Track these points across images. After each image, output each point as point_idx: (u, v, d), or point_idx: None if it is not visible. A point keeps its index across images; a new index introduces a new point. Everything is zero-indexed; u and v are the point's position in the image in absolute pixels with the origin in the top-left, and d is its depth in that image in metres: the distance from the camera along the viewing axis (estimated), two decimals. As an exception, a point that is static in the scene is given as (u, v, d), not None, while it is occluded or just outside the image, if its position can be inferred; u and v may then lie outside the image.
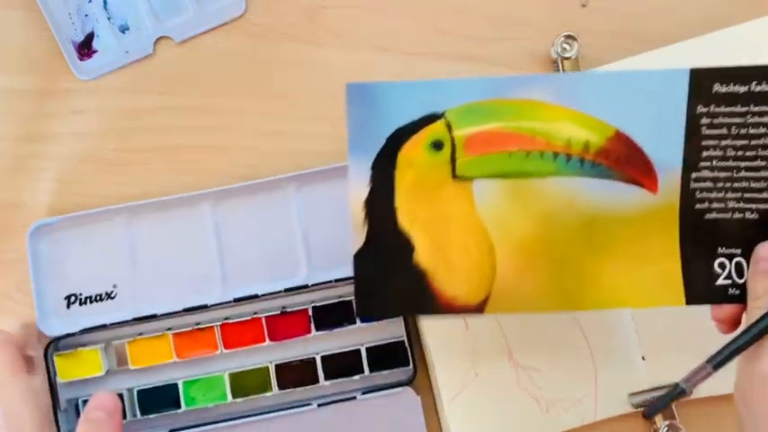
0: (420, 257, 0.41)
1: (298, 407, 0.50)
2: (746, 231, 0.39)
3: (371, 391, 0.50)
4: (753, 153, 0.39)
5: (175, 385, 0.51)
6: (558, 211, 0.40)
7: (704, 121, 0.39)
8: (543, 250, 0.40)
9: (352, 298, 0.50)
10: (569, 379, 0.50)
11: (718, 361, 0.38)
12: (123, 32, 0.54)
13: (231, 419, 0.50)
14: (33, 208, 0.53)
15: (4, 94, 0.53)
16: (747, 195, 0.39)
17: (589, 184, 0.40)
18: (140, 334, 0.51)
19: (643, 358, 0.50)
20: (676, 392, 0.45)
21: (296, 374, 0.51)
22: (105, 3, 0.53)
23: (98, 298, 0.51)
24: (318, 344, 0.51)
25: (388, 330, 0.51)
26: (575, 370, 0.50)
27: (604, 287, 0.40)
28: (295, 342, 0.51)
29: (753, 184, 0.39)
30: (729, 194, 0.39)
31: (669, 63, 0.50)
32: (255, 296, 0.51)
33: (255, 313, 0.51)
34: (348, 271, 0.42)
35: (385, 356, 0.51)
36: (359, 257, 0.41)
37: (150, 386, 0.51)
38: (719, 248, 0.40)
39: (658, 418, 0.50)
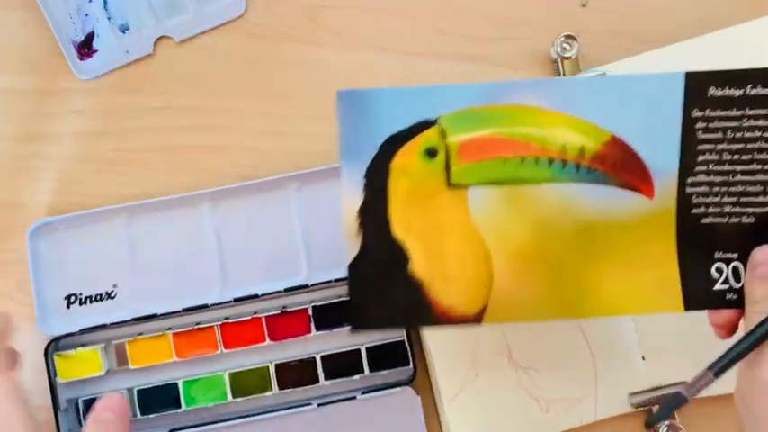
0: (415, 267, 0.40)
1: (298, 407, 0.50)
2: (743, 236, 0.39)
3: (371, 391, 0.50)
4: (748, 157, 0.39)
5: (175, 385, 0.51)
6: (555, 218, 0.40)
7: (700, 125, 0.39)
8: (540, 258, 0.40)
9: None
10: (569, 379, 0.50)
11: (720, 368, 0.38)
12: (123, 32, 0.54)
13: (231, 419, 0.50)
14: (33, 208, 0.53)
15: (4, 94, 0.54)
16: (743, 200, 0.39)
17: (585, 191, 0.39)
18: (140, 334, 0.51)
19: (643, 358, 0.50)
20: (678, 401, 0.44)
21: (296, 374, 0.51)
22: (105, 3, 0.53)
23: (98, 298, 0.51)
24: (318, 344, 0.52)
25: (389, 330, 0.51)
26: (575, 370, 0.50)
27: (603, 294, 0.40)
28: (295, 342, 0.51)
29: (749, 188, 0.39)
30: (725, 199, 0.39)
31: (669, 63, 0.51)
32: (255, 296, 0.51)
33: (255, 313, 0.51)
34: (348, 271, 0.42)
35: (385, 356, 0.51)
36: (353, 268, 0.40)
37: (150, 386, 0.51)
38: (716, 253, 0.40)
39: (658, 418, 0.50)
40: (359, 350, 0.51)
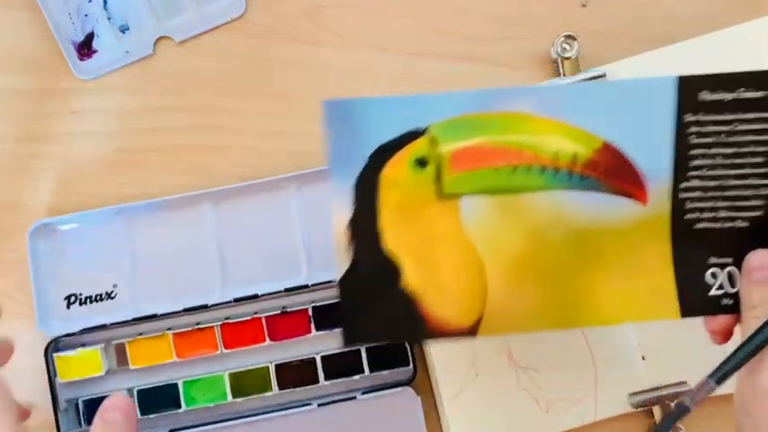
0: (408, 280, 0.39)
1: (298, 407, 0.51)
2: (737, 240, 0.39)
3: (371, 391, 0.51)
4: (741, 161, 0.39)
5: (175, 385, 0.51)
6: (548, 227, 0.39)
7: (692, 129, 0.38)
8: (535, 267, 0.39)
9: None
10: (569, 379, 0.50)
11: (721, 375, 0.37)
12: (123, 32, 0.54)
13: (231, 419, 0.50)
14: (33, 208, 0.53)
15: (4, 94, 0.54)
16: (737, 204, 0.39)
17: (578, 198, 0.39)
18: (140, 334, 0.51)
19: (643, 358, 0.50)
20: (681, 411, 0.44)
21: (296, 374, 0.51)
22: (105, 3, 0.53)
23: (98, 298, 0.51)
24: (318, 344, 0.52)
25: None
26: (575, 370, 0.50)
27: (598, 303, 0.39)
28: (295, 342, 0.51)
29: (742, 192, 0.39)
30: (719, 203, 0.39)
31: (669, 63, 0.51)
32: (255, 296, 0.51)
33: (255, 313, 0.51)
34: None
35: (385, 356, 0.51)
36: (344, 283, 0.39)
37: (150, 386, 0.51)
38: (711, 258, 0.39)
39: (658, 418, 0.50)
40: (359, 350, 0.51)
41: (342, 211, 0.39)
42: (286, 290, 0.51)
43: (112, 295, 0.51)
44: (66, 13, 0.53)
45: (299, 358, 0.51)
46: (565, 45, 0.52)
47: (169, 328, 0.51)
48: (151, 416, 0.51)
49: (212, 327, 0.51)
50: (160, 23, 0.54)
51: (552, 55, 0.53)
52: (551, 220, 0.39)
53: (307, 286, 0.51)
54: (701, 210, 0.39)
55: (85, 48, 0.54)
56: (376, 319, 0.39)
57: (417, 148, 0.39)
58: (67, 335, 0.51)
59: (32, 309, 0.51)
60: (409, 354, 0.51)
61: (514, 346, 0.50)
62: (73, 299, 0.51)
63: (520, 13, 0.55)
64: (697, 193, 0.39)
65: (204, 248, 0.52)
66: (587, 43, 0.53)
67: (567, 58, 0.52)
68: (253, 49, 0.54)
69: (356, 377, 0.51)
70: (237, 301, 0.51)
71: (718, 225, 0.39)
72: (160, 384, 0.51)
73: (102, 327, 0.51)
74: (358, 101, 0.39)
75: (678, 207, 0.39)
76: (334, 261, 0.39)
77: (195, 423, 0.51)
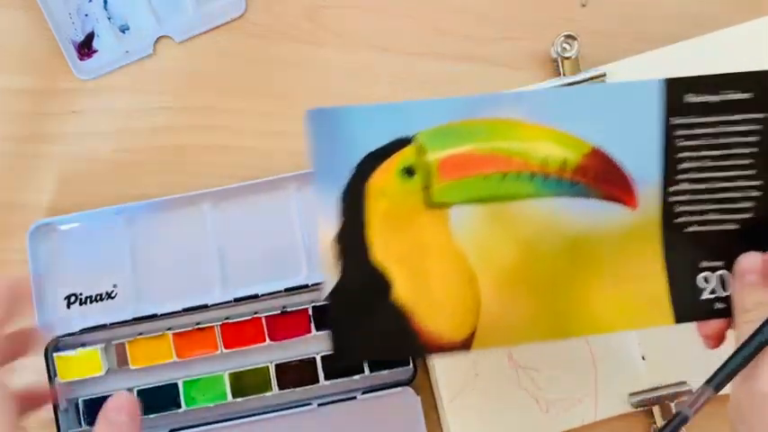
0: (398, 294, 0.38)
1: (298, 407, 0.51)
2: (728, 243, 0.39)
3: (371, 391, 0.51)
4: (729, 163, 0.39)
5: (175, 385, 0.51)
6: (539, 235, 0.39)
7: (679, 132, 0.39)
8: (527, 277, 0.39)
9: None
10: (569, 379, 0.50)
11: (718, 382, 0.36)
12: (123, 32, 0.54)
13: (231, 419, 0.51)
14: (33, 208, 0.53)
15: (4, 94, 0.54)
16: (726, 206, 0.39)
17: (568, 204, 0.39)
18: (140, 334, 0.51)
19: (643, 358, 0.50)
20: (680, 420, 0.44)
21: (296, 374, 0.51)
22: (105, 3, 0.54)
23: (98, 298, 0.51)
24: (318, 344, 0.52)
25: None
26: (575, 370, 0.50)
27: (592, 311, 0.39)
28: (295, 342, 0.51)
29: (731, 195, 0.39)
30: (709, 206, 0.39)
31: (669, 63, 0.51)
32: (255, 296, 0.51)
33: (255, 313, 0.51)
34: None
35: (385, 356, 0.51)
36: (333, 297, 0.38)
37: (150, 386, 0.51)
38: (702, 262, 0.39)
39: (658, 418, 0.50)
40: (359, 350, 0.51)
41: (328, 224, 0.38)
42: (286, 290, 0.51)
43: (112, 295, 0.51)
44: (67, 13, 0.53)
45: (299, 358, 0.51)
46: (565, 45, 0.52)
47: (169, 328, 0.51)
48: (151, 416, 0.51)
49: (212, 327, 0.51)
50: (160, 23, 0.54)
51: (552, 55, 0.53)
52: (542, 228, 0.39)
53: (307, 286, 0.51)
54: (691, 213, 0.39)
55: (85, 47, 0.54)
56: (368, 336, 0.38)
57: (405, 156, 0.38)
58: (67, 335, 0.51)
59: (32, 309, 0.51)
60: (409, 354, 0.51)
61: (514, 346, 0.50)
62: (73, 299, 0.51)
63: (520, 13, 0.55)
64: (686, 197, 0.39)
65: (204, 248, 0.52)
66: (587, 43, 0.53)
67: (567, 58, 0.52)
68: (253, 49, 0.54)
69: (356, 377, 0.51)
70: (237, 300, 0.51)
71: (708, 228, 0.39)
72: (160, 384, 0.51)
73: (103, 327, 0.51)
74: (343, 109, 0.38)
75: (668, 211, 0.39)
76: (322, 276, 0.38)
77: (195, 423, 0.51)
